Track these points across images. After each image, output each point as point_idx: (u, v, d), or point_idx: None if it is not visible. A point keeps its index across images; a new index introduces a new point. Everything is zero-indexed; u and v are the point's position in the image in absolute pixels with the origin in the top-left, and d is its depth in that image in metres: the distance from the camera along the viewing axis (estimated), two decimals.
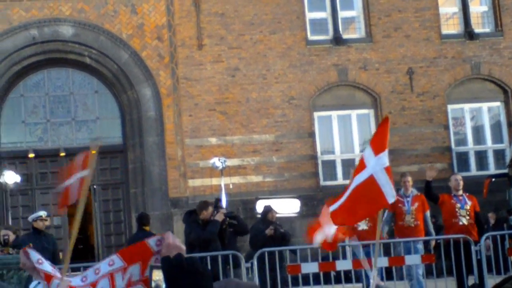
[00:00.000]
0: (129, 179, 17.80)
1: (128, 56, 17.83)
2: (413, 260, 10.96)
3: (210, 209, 11.51)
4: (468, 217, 11.21)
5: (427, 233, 11.55)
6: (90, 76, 18.22)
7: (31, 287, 3.52)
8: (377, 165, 5.72)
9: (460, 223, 11.16)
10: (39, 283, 3.51)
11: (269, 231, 11.87)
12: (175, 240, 3.46)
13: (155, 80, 17.84)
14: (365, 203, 5.86)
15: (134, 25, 17.95)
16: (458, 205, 11.25)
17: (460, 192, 11.40)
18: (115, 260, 3.75)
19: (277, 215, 12.74)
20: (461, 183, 11.45)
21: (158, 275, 3.02)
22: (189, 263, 2.81)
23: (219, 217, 11.41)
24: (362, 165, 5.88)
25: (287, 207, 15.62)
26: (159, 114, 17.77)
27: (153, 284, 3.07)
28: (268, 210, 12.50)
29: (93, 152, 4.50)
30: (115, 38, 17.82)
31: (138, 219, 13.35)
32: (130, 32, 17.92)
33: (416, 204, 11.47)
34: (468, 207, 11.26)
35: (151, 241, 3.62)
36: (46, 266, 3.72)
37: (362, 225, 11.26)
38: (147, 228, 12.67)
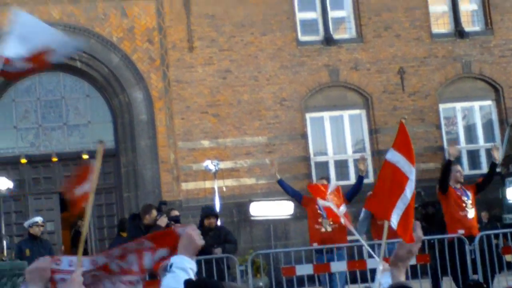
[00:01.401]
0: (122, 183, 17.74)
1: (118, 59, 17.79)
2: None
3: (154, 213, 10.77)
4: (473, 209, 10.75)
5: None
6: (81, 80, 18.15)
7: None
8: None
9: (469, 216, 10.70)
10: None
11: None
12: (194, 233, 3.50)
13: (146, 83, 17.79)
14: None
15: (125, 28, 17.90)
16: (464, 197, 10.72)
17: (459, 185, 10.88)
18: (144, 242, 3.75)
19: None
20: (463, 174, 11.05)
21: None
22: (213, 286, 2.86)
23: (162, 221, 10.53)
24: (398, 172, 6.07)
25: (280, 209, 15.60)
26: (151, 117, 17.72)
27: None
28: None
29: (100, 152, 4.43)
30: (106, 41, 17.77)
31: (117, 225, 13.11)
32: (121, 35, 17.87)
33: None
34: (471, 199, 10.76)
35: (181, 230, 3.63)
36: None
37: (327, 227, 10.76)
38: (123, 234, 11.98)
